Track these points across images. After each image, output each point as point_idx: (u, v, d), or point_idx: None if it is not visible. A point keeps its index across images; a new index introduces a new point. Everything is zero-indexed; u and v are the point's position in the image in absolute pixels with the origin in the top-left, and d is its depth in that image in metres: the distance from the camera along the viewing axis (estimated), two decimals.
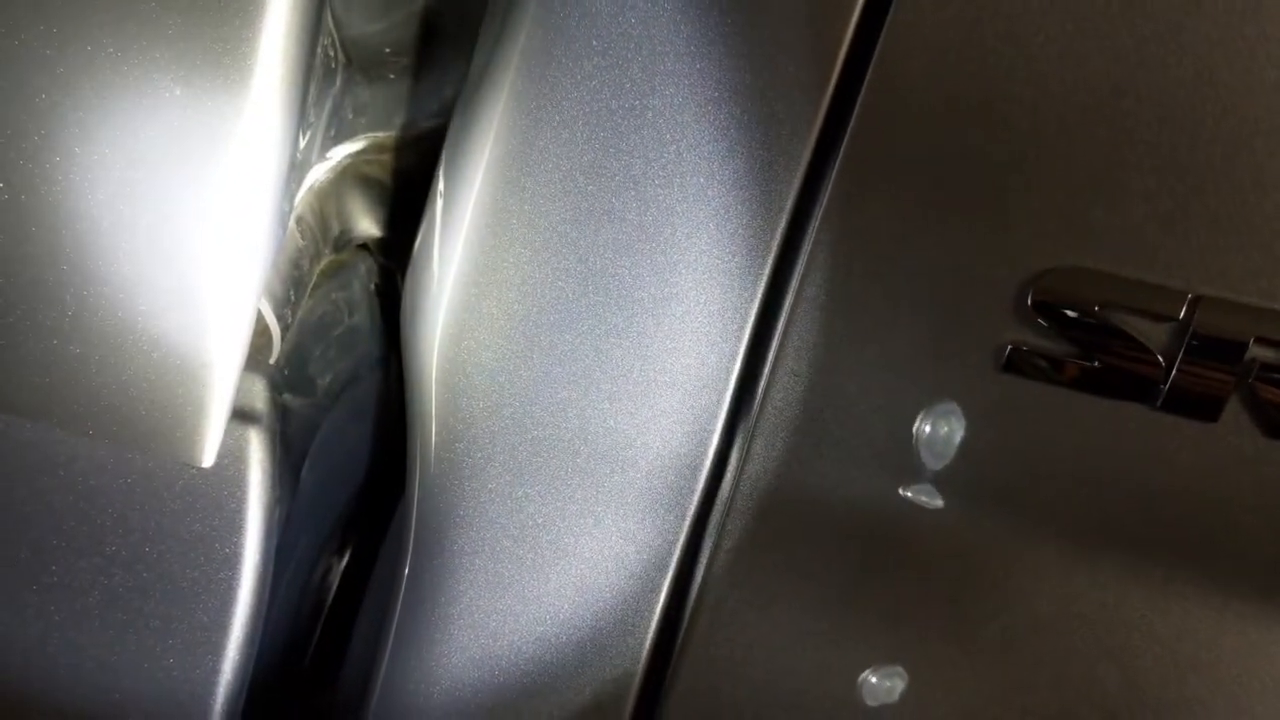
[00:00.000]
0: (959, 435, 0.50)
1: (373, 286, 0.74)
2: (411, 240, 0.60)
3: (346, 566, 0.86)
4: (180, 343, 0.53)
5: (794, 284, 0.50)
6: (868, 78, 0.48)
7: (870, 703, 0.53)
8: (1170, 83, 0.45)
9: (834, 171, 0.49)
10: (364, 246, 0.75)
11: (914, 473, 0.51)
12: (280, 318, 0.59)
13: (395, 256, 0.76)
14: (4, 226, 0.52)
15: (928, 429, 0.50)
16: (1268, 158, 0.44)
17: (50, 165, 0.51)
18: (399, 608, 0.59)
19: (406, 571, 0.58)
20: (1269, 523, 0.46)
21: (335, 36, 0.64)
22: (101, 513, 0.59)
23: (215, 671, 0.59)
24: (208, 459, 0.54)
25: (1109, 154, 0.46)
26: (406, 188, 0.73)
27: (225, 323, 0.53)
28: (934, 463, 0.50)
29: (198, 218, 0.52)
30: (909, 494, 0.51)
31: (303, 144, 0.60)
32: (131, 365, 0.54)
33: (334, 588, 0.85)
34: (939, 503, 0.50)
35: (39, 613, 0.59)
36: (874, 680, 0.53)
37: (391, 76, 0.72)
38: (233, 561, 0.58)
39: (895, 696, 0.53)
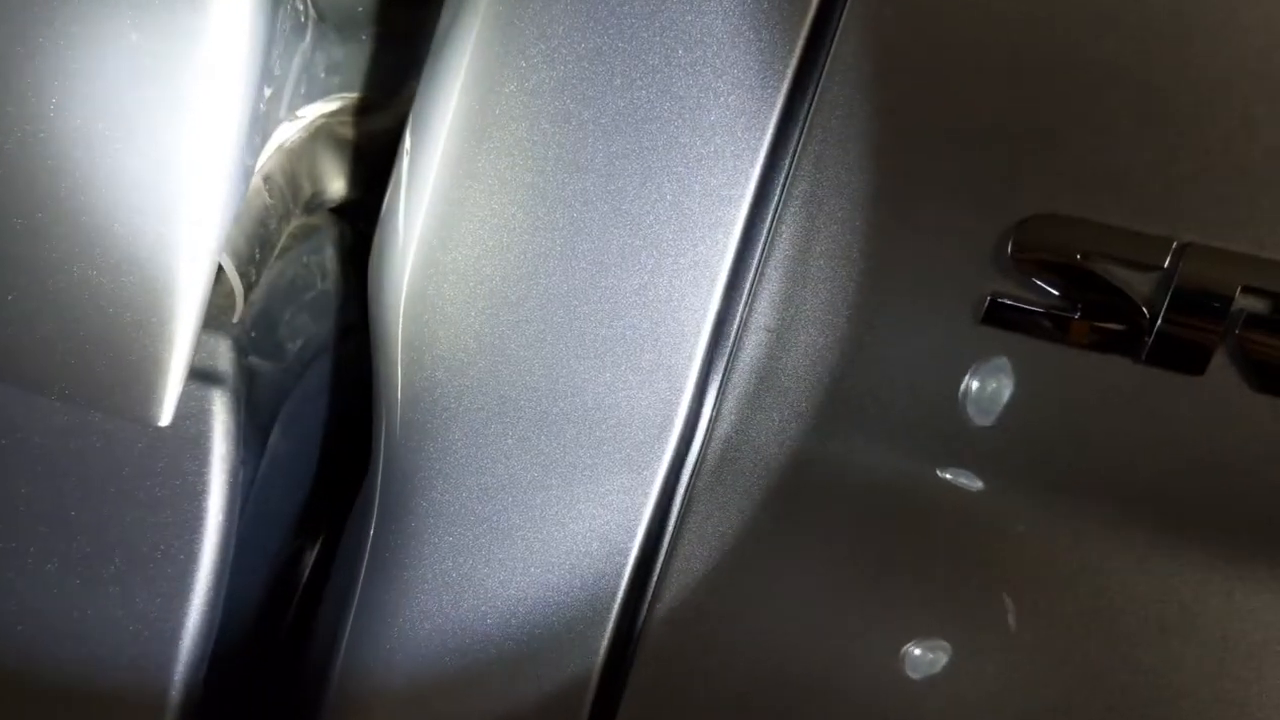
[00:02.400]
0: (943, 389, 0.48)
1: (346, 252, 0.72)
2: None
3: (323, 541, 0.84)
4: (137, 297, 0.51)
5: (764, 239, 0.49)
6: (840, 22, 0.47)
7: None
8: (1154, 24, 0.43)
9: (806, 123, 0.48)
10: (338, 211, 0.74)
11: (890, 428, 0.49)
12: (244, 275, 0.57)
13: (370, 222, 0.74)
14: None
15: (909, 382, 0.48)
16: (1255, 101, 0.42)
17: (1, 114, 0.50)
18: (363, 571, 0.57)
19: (371, 534, 0.57)
20: (1255, 479, 0.44)
21: None
22: (63, 477, 0.57)
23: (176, 637, 0.58)
24: (165, 418, 0.53)
25: (1092, 97, 0.44)
26: (382, 152, 0.71)
27: (183, 276, 0.51)
28: (919, 417, 0.49)
29: (155, 168, 0.50)
30: (886, 453, 0.49)
31: (267, 97, 0.58)
32: (89, 321, 0.52)
33: (310, 562, 0.83)
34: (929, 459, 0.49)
35: None
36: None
37: (364, 38, 0.71)
38: (194, 524, 0.56)
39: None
